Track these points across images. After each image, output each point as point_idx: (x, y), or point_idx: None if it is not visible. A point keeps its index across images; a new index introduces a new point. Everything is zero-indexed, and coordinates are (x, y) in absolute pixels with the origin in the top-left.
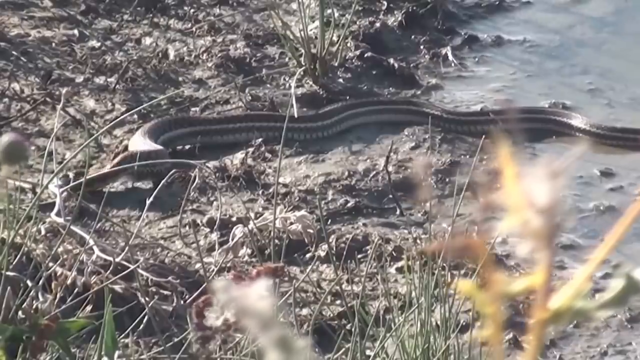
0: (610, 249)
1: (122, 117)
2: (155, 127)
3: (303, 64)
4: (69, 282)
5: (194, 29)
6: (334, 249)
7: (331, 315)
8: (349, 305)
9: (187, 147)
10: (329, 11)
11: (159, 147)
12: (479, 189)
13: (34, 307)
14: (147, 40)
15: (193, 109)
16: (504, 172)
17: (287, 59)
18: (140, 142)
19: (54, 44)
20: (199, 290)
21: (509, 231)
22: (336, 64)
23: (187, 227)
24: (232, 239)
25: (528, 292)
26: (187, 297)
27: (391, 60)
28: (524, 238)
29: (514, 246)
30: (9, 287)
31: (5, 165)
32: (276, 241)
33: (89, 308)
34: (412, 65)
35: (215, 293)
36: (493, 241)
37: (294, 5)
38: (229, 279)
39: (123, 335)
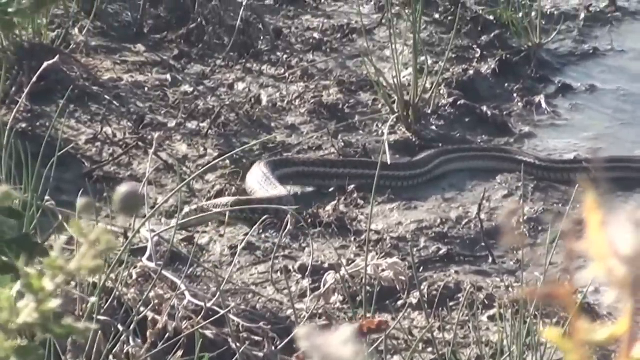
0: None
1: (214, 162)
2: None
3: (396, 110)
4: (160, 326)
5: (287, 74)
6: (426, 296)
7: None
8: (440, 353)
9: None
10: (423, 58)
11: (284, 192)
12: (565, 238)
13: (125, 351)
14: (240, 86)
15: (285, 154)
16: (589, 221)
17: (379, 106)
18: (266, 186)
19: (146, 89)
20: (290, 337)
21: (596, 279)
22: (429, 111)
23: (279, 273)
24: (324, 286)
25: (613, 340)
26: (278, 343)
27: (484, 108)
28: (609, 287)
29: (605, 295)
30: (100, 332)
31: (122, 215)
32: (368, 288)
33: (180, 353)
34: (505, 113)
35: (299, 340)
36: (585, 290)
37: (387, 52)
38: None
39: None
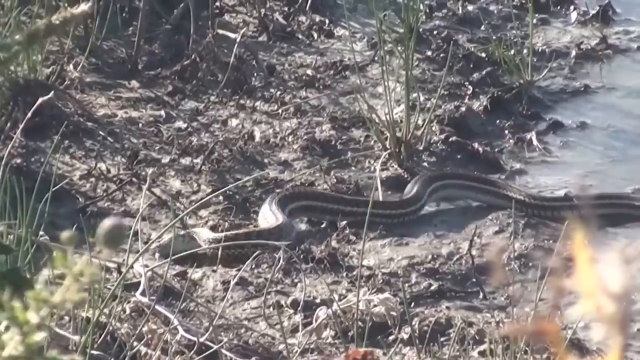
0: None
1: (207, 198)
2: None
3: (388, 147)
4: None
5: (280, 111)
6: (417, 331)
7: None
8: None
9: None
10: (415, 95)
11: (283, 220)
12: (554, 274)
13: None
14: (233, 122)
15: (277, 190)
16: (578, 258)
17: (372, 142)
18: (269, 216)
19: (140, 125)
20: None
21: (584, 315)
22: (421, 148)
23: (271, 308)
24: (316, 321)
25: None
26: None
27: (476, 145)
28: (598, 323)
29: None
30: None
31: (105, 249)
32: (359, 323)
33: None
34: (496, 149)
35: None
36: (575, 325)
37: (380, 89)
38: None
39: None
